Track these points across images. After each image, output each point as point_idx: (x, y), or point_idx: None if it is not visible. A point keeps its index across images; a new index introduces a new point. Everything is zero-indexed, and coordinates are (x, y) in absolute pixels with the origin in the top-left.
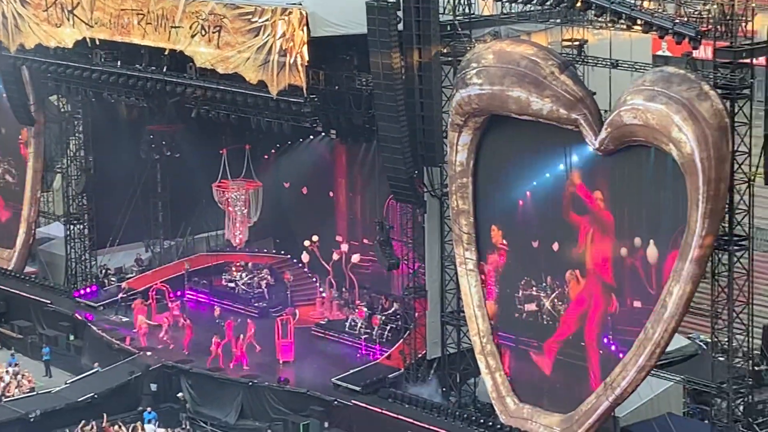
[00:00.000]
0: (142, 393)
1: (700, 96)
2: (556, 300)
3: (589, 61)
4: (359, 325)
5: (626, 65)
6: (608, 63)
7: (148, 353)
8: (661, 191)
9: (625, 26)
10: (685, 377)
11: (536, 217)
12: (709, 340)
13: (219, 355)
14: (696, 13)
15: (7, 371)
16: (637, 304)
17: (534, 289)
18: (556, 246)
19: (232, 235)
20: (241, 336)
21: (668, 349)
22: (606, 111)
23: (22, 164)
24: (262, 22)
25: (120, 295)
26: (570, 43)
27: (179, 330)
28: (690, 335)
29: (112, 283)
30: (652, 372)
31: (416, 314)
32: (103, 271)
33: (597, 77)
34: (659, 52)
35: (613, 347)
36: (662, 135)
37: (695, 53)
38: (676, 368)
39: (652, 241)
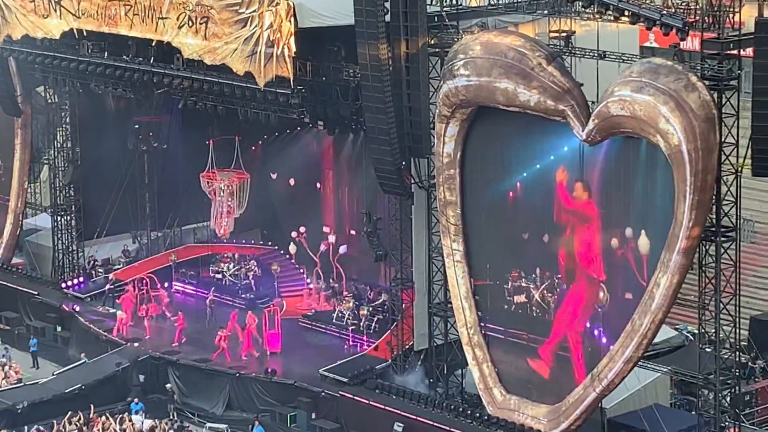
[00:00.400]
0: (131, 384)
1: (688, 87)
2: (545, 291)
3: (577, 52)
4: (346, 316)
5: (613, 56)
6: (595, 54)
7: (136, 344)
8: (651, 183)
9: (612, 17)
10: (672, 368)
11: (526, 208)
12: (697, 331)
13: (225, 348)
14: (683, 4)
15: None
16: (628, 296)
17: (523, 280)
18: (546, 237)
19: (217, 225)
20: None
21: (655, 340)
22: (593, 102)
23: (11, 155)
24: (250, 13)
25: (107, 286)
26: (557, 35)
27: (167, 320)
28: (677, 326)
29: (100, 274)
30: (640, 363)
31: (403, 305)
32: (91, 262)
33: (584, 68)
34: (647, 44)
35: (603, 340)
36: (649, 126)
37: (683, 44)
38: (663, 359)
39: (643, 231)
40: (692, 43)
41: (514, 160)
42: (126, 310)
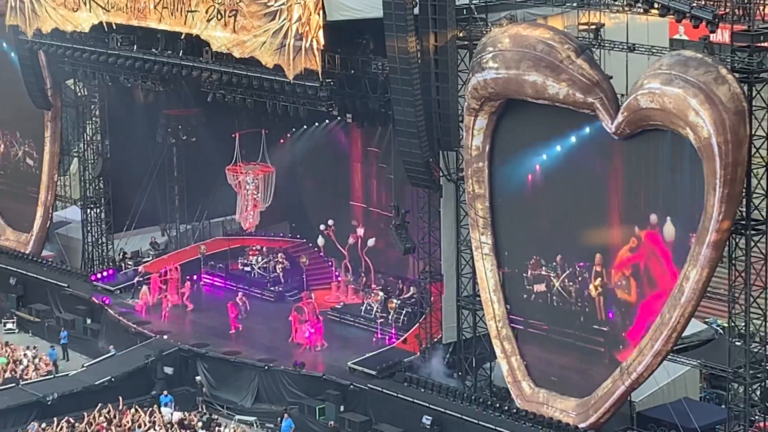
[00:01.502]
0: (156, 377)
1: (718, 80)
2: (566, 280)
3: (606, 44)
4: (375, 309)
5: (643, 49)
6: (625, 47)
7: (165, 336)
8: (677, 174)
9: (642, 10)
10: (701, 362)
11: (547, 194)
12: (726, 325)
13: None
14: None
15: (25, 354)
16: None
17: (543, 269)
18: (567, 224)
19: (243, 218)
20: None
21: (685, 333)
22: (622, 95)
23: (41, 148)
24: (278, 6)
25: (136, 278)
26: (586, 27)
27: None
28: (707, 320)
29: (129, 266)
30: (669, 357)
31: (432, 298)
32: (120, 254)
33: (614, 61)
34: (676, 36)
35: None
36: (679, 119)
37: (712, 37)
38: (693, 353)
39: (669, 218)
40: (722, 35)
41: (541, 150)
42: (151, 293)
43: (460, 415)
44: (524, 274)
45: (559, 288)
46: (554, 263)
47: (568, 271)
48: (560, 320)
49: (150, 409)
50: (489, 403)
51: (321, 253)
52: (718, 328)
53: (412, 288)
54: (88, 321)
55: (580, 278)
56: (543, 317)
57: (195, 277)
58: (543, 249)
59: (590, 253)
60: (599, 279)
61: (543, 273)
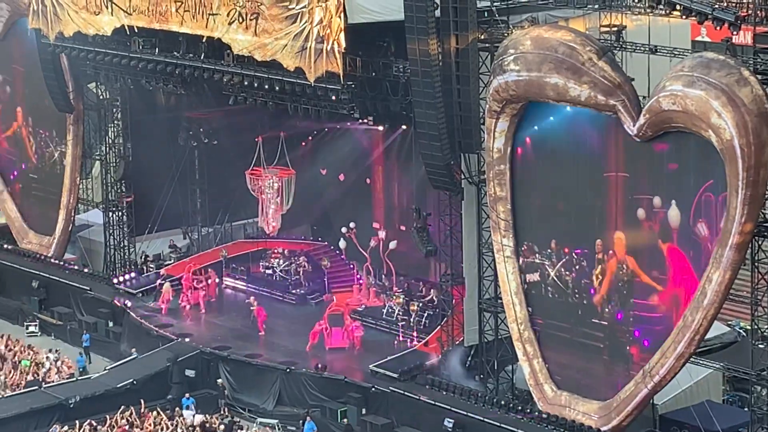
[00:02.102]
0: (172, 381)
1: (740, 82)
2: (562, 269)
3: (628, 47)
4: (396, 311)
5: (665, 51)
6: (647, 49)
7: (186, 339)
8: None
9: (663, 11)
10: (724, 365)
11: (540, 169)
12: (749, 328)
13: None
14: None
15: (47, 357)
16: (653, 273)
17: (536, 256)
18: (560, 206)
19: (265, 222)
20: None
21: (707, 336)
22: (644, 97)
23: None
24: (300, 8)
25: (158, 281)
26: (608, 29)
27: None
28: (729, 322)
29: (151, 269)
30: (692, 359)
31: (454, 301)
32: (142, 257)
33: (635, 63)
34: (698, 38)
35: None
36: (701, 121)
37: (735, 38)
38: (716, 356)
39: (674, 202)
40: (744, 37)
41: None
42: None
43: (481, 418)
44: (517, 263)
45: (555, 278)
46: (549, 250)
47: (564, 259)
48: (556, 314)
49: (172, 411)
50: (511, 405)
51: (342, 256)
52: (741, 331)
53: (433, 290)
54: (110, 324)
55: (577, 267)
56: (536, 311)
57: (216, 279)
58: (536, 234)
59: (589, 239)
60: (600, 267)
61: (536, 261)
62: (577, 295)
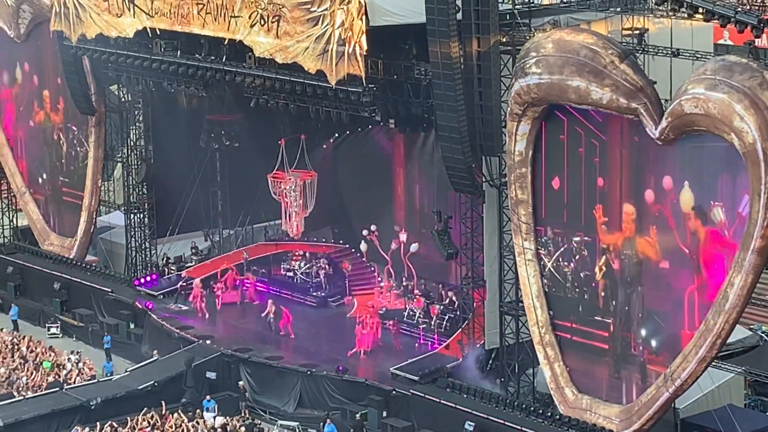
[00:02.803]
0: (186, 385)
1: (763, 85)
2: (560, 259)
3: (650, 50)
4: (417, 314)
5: (687, 54)
6: (669, 52)
7: (207, 342)
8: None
9: (686, 14)
10: (746, 369)
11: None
12: None
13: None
14: (759, 1)
15: (68, 359)
16: (663, 264)
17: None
18: (556, 182)
19: (288, 226)
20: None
21: (729, 340)
22: (667, 100)
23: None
24: (321, 11)
25: (180, 284)
26: (630, 32)
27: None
28: (751, 326)
29: (172, 271)
30: (713, 363)
31: (474, 304)
32: (163, 259)
33: (658, 66)
34: (721, 41)
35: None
36: (724, 124)
37: (758, 42)
38: (738, 360)
39: (687, 183)
40: (767, 40)
41: None
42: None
43: (502, 421)
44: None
45: (552, 269)
46: (545, 238)
47: (563, 248)
48: (555, 309)
49: (192, 413)
50: (532, 409)
51: (363, 259)
52: (763, 335)
53: (454, 294)
54: (132, 326)
55: (577, 257)
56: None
57: (237, 282)
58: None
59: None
60: (604, 257)
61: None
62: (577, 289)
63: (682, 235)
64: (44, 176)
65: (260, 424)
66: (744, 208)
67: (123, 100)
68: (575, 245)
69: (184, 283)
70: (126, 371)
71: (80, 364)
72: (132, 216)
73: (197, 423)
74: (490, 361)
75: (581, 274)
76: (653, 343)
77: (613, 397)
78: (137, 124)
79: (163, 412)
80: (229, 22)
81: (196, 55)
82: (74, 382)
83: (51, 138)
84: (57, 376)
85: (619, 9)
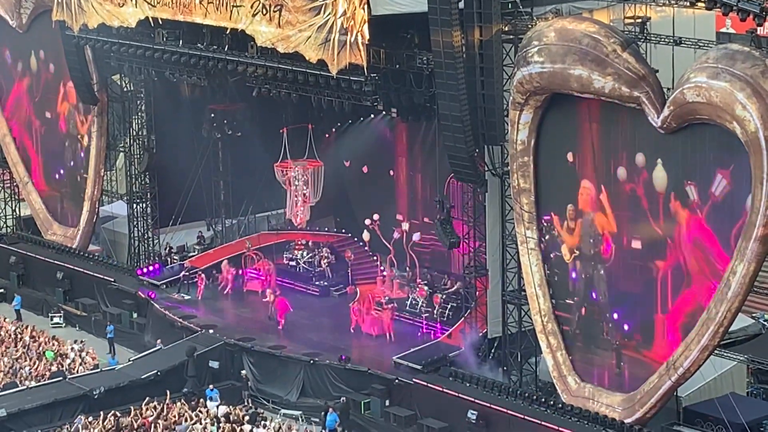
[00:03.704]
0: (187, 375)
1: (765, 73)
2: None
3: (652, 38)
4: (420, 303)
5: (689, 43)
6: (671, 40)
7: (210, 331)
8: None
9: (688, 3)
10: (748, 357)
11: None
12: None
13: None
14: None
15: (72, 348)
16: (636, 244)
17: None
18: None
19: (293, 214)
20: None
21: (732, 328)
22: (669, 89)
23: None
24: (323, 0)
25: (182, 273)
26: (632, 21)
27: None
28: (754, 314)
29: (175, 261)
30: (716, 352)
31: (477, 293)
32: (166, 249)
33: (660, 55)
34: (723, 29)
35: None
36: (726, 113)
37: (760, 30)
38: (740, 348)
39: (660, 161)
40: None
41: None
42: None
43: (505, 410)
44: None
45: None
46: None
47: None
48: (557, 298)
49: (195, 402)
50: (534, 397)
51: (366, 248)
52: (766, 323)
53: (457, 282)
54: (135, 315)
55: (547, 236)
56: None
57: (240, 271)
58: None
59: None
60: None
61: None
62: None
63: (655, 214)
64: (61, 172)
65: (263, 413)
66: (716, 188)
67: (125, 89)
68: (544, 224)
69: (187, 273)
70: (129, 360)
71: (83, 354)
72: (135, 206)
73: (200, 412)
74: (493, 350)
75: (552, 255)
76: (625, 326)
77: (616, 385)
78: (140, 113)
79: (167, 401)
80: (231, 11)
81: (198, 45)
82: (77, 372)
83: (75, 129)
84: (60, 366)
85: None
